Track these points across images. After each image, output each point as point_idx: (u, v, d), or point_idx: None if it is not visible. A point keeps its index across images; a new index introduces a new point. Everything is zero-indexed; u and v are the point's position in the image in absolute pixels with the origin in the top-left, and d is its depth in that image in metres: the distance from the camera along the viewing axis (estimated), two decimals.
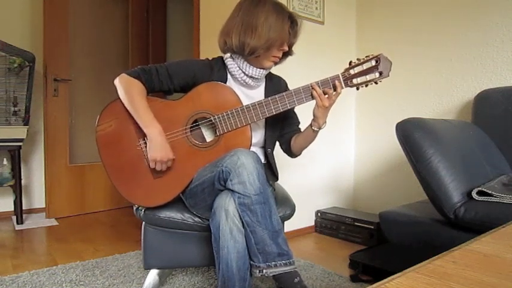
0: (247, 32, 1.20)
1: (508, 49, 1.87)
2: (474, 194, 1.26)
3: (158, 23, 3.29)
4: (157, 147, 1.14)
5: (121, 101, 1.20)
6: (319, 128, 1.26)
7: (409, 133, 1.34)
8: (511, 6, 1.86)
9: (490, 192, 1.24)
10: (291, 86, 1.34)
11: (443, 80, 2.13)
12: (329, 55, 2.39)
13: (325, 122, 1.25)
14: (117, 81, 1.20)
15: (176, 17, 3.54)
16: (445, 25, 2.11)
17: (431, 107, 2.19)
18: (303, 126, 1.43)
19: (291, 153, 1.43)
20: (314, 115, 1.24)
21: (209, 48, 2.33)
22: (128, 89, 1.18)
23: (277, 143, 1.46)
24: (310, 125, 1.28)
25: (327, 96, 1.18)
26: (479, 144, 1.58)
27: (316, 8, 2.30)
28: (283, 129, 1.42)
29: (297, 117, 1.46)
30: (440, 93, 2.14)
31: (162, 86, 1.24)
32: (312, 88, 1.18)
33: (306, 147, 1.38)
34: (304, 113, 1.44)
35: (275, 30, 1.19)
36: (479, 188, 1.27)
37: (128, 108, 1.18)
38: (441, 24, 2.12)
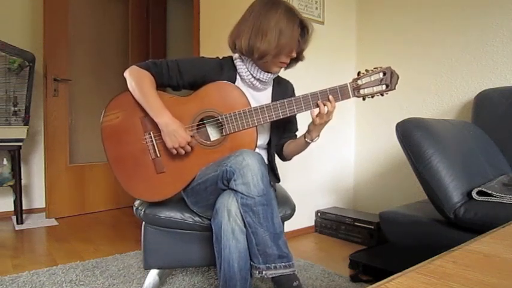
0: (257, 36, 1.19)
1: (508, 49, 1.87)
2: (474, 194, 1.26)
3: (158, 22, 3.29)
4: (171, 135, 1.14)
5: (129, 94, 1.20)
6: (312, 141, 1.27)
7: (409, 133, 1.34)
8: (511, 6, 1.86)
9: (490, 192, 1.24)
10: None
11: (444, 80, 2.12)
12: (329, 55, 2.38)
13: (318, 136, 1.26)
14: (127, 73, 1.20)
15: (176, 16, 3.54)
16: (445, 25, 2.11)
17: (431, 107, 2.19)
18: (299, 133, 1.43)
19: (282, 156, 1.44)
20: (309, 128, 1.25)
21: (209, 48, 2.33)
22: (138, 79, 1.18)
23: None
24: (304, 136, 1.28)
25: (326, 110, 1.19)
26: (479, 144, 1.58)
27: (316, 8, 2.30)
28: (283, 134, 1.42)
29: (296, 124, 1.46)
30: (440, 93, 2.14)
31: (171, 81, 1.24)
32: (317, 105, 1.18)
33: (297, 154, 1.38)
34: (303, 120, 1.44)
35: (285, 36, 1.18)
36: (479, 188, 1.27)
37: (138, 98, 1.18)
38: (441, 24, 2.12)
